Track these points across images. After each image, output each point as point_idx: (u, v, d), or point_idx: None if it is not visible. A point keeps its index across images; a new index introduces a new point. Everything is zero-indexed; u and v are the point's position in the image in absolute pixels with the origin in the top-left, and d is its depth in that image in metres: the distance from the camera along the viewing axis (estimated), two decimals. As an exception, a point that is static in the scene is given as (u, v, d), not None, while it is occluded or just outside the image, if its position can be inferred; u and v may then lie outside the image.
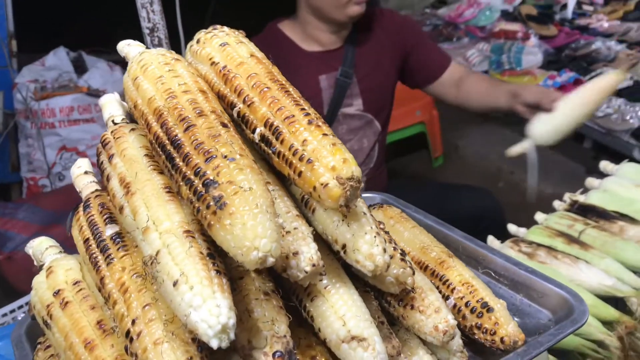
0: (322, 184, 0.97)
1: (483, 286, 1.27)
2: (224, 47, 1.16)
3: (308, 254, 0.96)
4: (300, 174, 1.00)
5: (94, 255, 1.04)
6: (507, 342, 1.18)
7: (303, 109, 1.05)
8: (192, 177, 0.93)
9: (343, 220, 1.03)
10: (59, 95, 5.03)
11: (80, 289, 1.08)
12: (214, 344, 0.83)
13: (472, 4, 5.95)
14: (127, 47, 1.20)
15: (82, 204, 1.14)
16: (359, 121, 2.92)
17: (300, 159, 1.00)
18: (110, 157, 1.07)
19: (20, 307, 2.71)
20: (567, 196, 2.78)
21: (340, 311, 0.98)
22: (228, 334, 0.84)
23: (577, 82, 4.95)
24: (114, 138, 1.10)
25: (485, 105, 2.93)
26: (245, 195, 0.89)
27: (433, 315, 1.11)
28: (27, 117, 4.98)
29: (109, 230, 1.06)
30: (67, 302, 1.06)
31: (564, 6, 6.00)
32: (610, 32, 5.62)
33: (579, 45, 5.44)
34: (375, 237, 1.02)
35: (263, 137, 1.06)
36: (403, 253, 1.10)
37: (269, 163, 1.10)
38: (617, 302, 2.14)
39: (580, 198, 2.71)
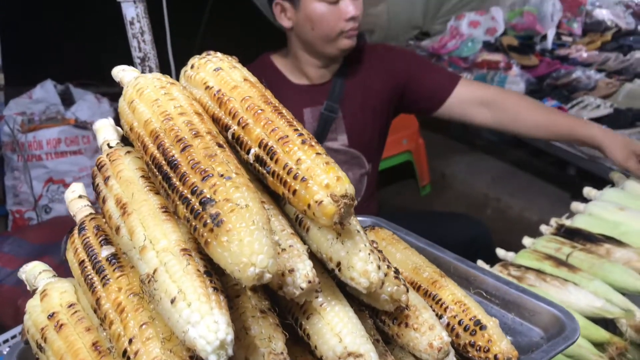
0: (316, 202, 0.99)
1: (475, 305, 1.29)
2: (218, 71, 1.18)
3: (304, 271, 0.97)
4: (294, 192, 1.02)
5: (90, 276, 1.04)
6: (501, 359, 1.19)
7: (296, 130, 1.07)
8: (189, 195, 0.95)
9: (337, 239, 1.05)
10: (46, 127, 5.03)
11: (76, 311, 1.08)
12: (213, 359, 0.83)
13: (454, 36, 6.08)
14: (122, 73, 1.22)
15: (77, 226, 1.15)
16: (344, 156, 2.91)
17: (295, 178, 1.02)
18: (106, 179, 1.09)
19: (6, 341, 2.65)
20: (554, 221, 2.81)
21: (337, 328, 0.99)
22: (226, 349, 0.84)
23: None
24: (109, 160, 1.11)
25: (549, 139, 2.88)
26: (241, 212, 0.90)
27: (427, 333, 1.12)
28: (13, 149, 4.97)
29: (104, 252, 1.06)
30: (62, 325, 1.06)
31: (544, 37, 6.15)
32: (589, 62, 5.76)
33: (559, 74, 5.56)
34: (369, 254, 1.03)
35: (257, 158, 1.08)
36: (397, 271, 1.12)
37: (264, 183, 1.11)
38: (607, 324, 2.16)
39: (567, 222, 2.75)
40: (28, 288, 1.24)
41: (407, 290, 1.11)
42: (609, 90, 5.31)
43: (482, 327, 1.23)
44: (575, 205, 2.95)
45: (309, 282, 0.96)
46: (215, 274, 0.94)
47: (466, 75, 5.67)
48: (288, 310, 1.06)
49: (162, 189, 1.02)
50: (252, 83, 1.16)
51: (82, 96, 5.44)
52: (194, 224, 0.94)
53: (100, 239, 1.09)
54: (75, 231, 1.14)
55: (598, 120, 5.00)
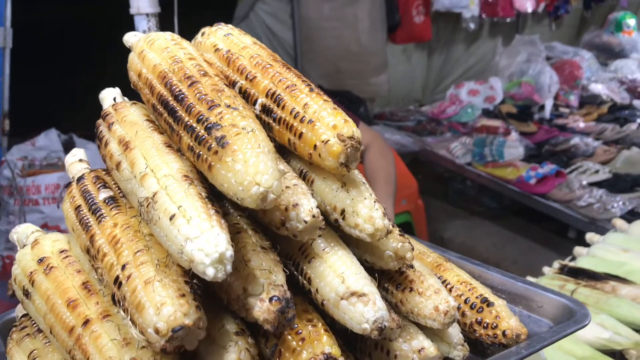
0: (323, 141, 0.97)
1: (482, 286, 1.24)
2: (228, 36, 1.20)
3: (308, 206, 0.94)
4: (300, 135, 1.00)
5: (85, 218, 1.00)
6: (510, 336, 1.13)
7: (304, 81, 1.07)
8: (195, 124, 0.93)
9: (342, 187, 1.02)
10: (46, 172, 5.03)
11: (67, 256, 1.03)
12: (210, 272, 0.79)
13: (454, 102, 6.21)
14: (134, 37, 1.23)
15: (76, 178, 1.12)
16: None
17: (302, 121, 1.01)
18: (110, 125, 1.07)
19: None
20: (557, 262, 2.76)
21: (339, 270, 0.95)
22: (225, 265, 0.80)
23: (558, 174, 5.09)
24: (114, 110, 1.11)
25: None
26: (247, 136, 0.88)
27: (433, 297, 1.07)
28: (11, 193, 4.94)
29: (102, 195, 1.03)
30: (51, 267, 1.01)
31: (542, 107, 6.29)
32: (586, 132, 5.86)
33: (558, 141, 5.64)
34: (374, 202, 1.00)
35: (264, 107, 1.07)
36: (402, 231, 1.08)
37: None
38: (615, 356, 2.07)
39: (570, 263, 2.70)
40: (19, 248, 1.19)
41: (413, 249, 1.06)
42: (607, 156, 5.37)
43: (490, 304, 1.18)
44: (579, 250, 2.91)
45: (313, 216, 0.93)
46: (217, 202, 0.91)
47: (466, 139, 5.75)
48: (289, 258, 1.01)
49: (166, 126, 1.00)
50: (261, 46, 1.17)
51: (85, 145, 5.47)
52: (197, 151, 0.92)
53: (99, 185, 1.06)
54: (74, 182, 1.11)
55: (597, 184, 5.04)
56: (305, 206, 0.94)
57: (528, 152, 5.57)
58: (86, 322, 0.90)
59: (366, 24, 6.08)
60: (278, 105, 1.04)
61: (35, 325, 1.08)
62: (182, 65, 1.02)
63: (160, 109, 1.01)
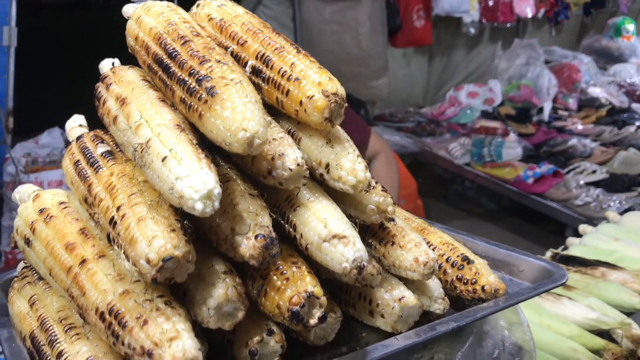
0: (308, 97, 1.03)
1: (463, 246, 1.29)
2: (222, 7, 1.26)
3: (293, 156, 0.99)
4: (288, 92, 1.06)
5: (83, 170, 1.06)
6: (488, 290, 1.18)
7: (292, 44, 1.13)
8: (187, 77, 0.99)
9: (327, 144, 1.08)
10: (49, 169, 5.09)
11: (66, 207, 1.09)
12: (199, 207, 0.85)
13: (453, 104, 6.28)
14: (132, 7, 1.29)
15: (75, 138, 1.18)
16: None
17: (288, 79, 1.06)
18: (108, 86, 1.13)
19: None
20: (549, 251, 2.81)
21: (322, 216, 1.00)
22: (213, 201, 0.86)
23: (555, 174, 5.14)
24: (112, 73, 1.17)
25: None
26: (236, 86, 0.94)
27: (413, 249, 1.12)
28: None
29: (100, 149, 1.09)
30: (51, 217, 1.06)
31: (540, 110, 6.34)
32: (585, 134, 5.91)
33: (556, 142, 5.69)
34: (357, 157, 1.06)
35: (254, 69, 1.13)
36: (384, 188, 1.13)
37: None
38: (603, 336, 2.11)
39: (562, 252, 2.74)
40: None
41: (394, 203, 1.12)
42: (604, 157, 5.42)
43: (470, 262, 1.23)
44: (571, 240, 2.95)
45: (298, 165, 0.98)
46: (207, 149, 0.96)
47: (464, 140, 5.80)
48: (275, 207, 1.06)
49: (160, 83, 1.06)
50: (253, 15, 1.24)
51: (88, 144, 5.54)
52: (189, 102, 0.98)
53: (97, 142, 1.12)
54: (73, 141, 1.17)
55: (594, 184, 5.08)
56: (290, 156, 0.99)
57: (526, 152, 5.63)
58: (83, 262, 0.96)
59: (367, 28, 6.15)
60: (267, 66, 1.10)
61: (35, 274, 1.14)
62: (176, 27, 1.08)
63: (155, 67, 1.07)
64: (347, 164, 1.04)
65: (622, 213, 4.54)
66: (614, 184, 5.05)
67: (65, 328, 0.97)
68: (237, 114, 0.91)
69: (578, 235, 5.27)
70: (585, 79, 6.78)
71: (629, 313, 2.20)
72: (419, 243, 1.14)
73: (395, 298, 1.09)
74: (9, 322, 1.13)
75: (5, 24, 5.01)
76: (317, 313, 0.95)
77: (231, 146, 0.91)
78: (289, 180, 0.99)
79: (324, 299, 0.96)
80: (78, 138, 1.17)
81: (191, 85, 0.97)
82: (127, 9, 1.30)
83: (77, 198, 1.09)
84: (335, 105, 1.03)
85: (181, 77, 1.00)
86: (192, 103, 0.96)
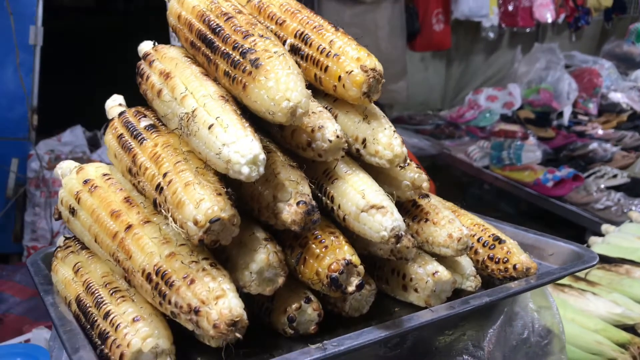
0: (347, 72, 1.06)
1: (494, 227, 1.30)
2: (260, -11, 1.29)
3: (332, 128, 1.02)
4: (326, 68, 1.09)
5: (127, 142, 1.10)
6: (520, 269, 1.20)
7: (330, 23, 1.15)
8: (231, 51, 1.02)
9: (364, 120, 1.10)
10: (72, 165, 5.16)
11: (109, 178, 1.12)
12: (245, 171, 0.88)
13: (472, 107, 6.27)
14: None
15: (117, 113, 1.21)
16: None
17: (327, 56, 1.09)
18: (151, 62, 1.17)
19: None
20: (571, 249, 2.80)
21: (360, 187, 1.02)
22: (258, 166, 0.89)
23: (576, 177, 5.11)
24: (154, 50, 1.20)
25: None
26: (279, 59, 0.97)
27: (447, 226, 1.14)
28: (37, 185, 5.09)
29: (143, 123, 1.12)
30: (96, 186, 1.10)
31: (560, 114, 6.31)
32: (605, 138, 5.87)
33: (576, 146, 5.66)
34: (394, 132, 1.08)
35: (293, 47, 1.15)
36: (418, 164, 1.15)
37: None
38: (628, 332, 2.11)
39: (584, 250, 2.73)
40: (62, 183, 1.28)
41: (428, 179, 1.14)
42: (625, 161, 5.38)
43: (501, 242, 1.24)
44: (594, 239, 2.94)
45: (337, 136, 1.01)
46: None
47: (484, 142, 5.79)
48: (313, 180, 1.09)
49: (204, 58, 1.09)
50: (291, -2, 1.26)
51: (109, 142, 5.62)
52: (233, 74, 1.01)
53: (139, 117, 1.15)
54: (116, 116, 1.21)
55: (615, 188, 5.04)
56: (329, 128, 1.02)
57: (546, 156, 5.59)
58: (128, 227, 0.99)
59: (386, 31, 6.17)
60: (306, 44, 1.13)
61: (78, 244, 1.17)
62: (218, 5, 1.12)
63: (198, 44, 1.10)
64: (384, 139, 1.07)
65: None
66: (635, 188, 5.00)
67: (111, 291, 1.00)
68: (281, 84, 0.93)
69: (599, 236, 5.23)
70: (606, 84, 6.73)
71: (654, 309, 2.19)
72: (452, 220, 1.15)
73: (428, 272, 1.11)
74: (52, 290, 1.16)
75: (32, 23, 5.10)
76: (355, 280, 0.97)
77: (275, 115, 0.94)
78: (328, 152, 1.02)
79: (361, 268, 0.98)
80: (120, 114, 1.20)
81: (235, 58, 1.00)
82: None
83: (120, 170, 1.13)
84: (374, 80, 1.05)
85: (225, 50, 1.03)
86: (236, 75, 0.99)
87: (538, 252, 1.41)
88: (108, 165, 1.20)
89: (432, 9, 6.80)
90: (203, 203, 0.88)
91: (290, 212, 0.94)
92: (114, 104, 1.35)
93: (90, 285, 1.03)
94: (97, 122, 6.04)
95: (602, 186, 5.02)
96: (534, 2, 7.49)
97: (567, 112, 6.34)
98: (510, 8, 7.40)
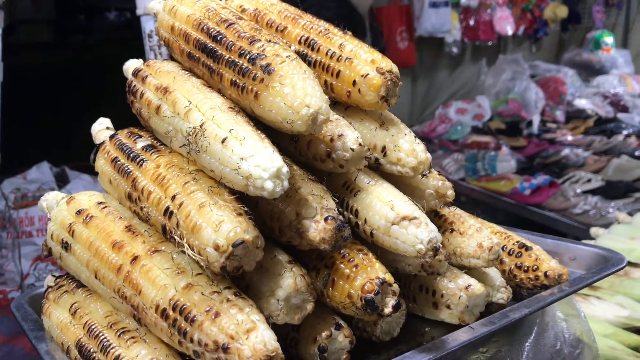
0: (362, 76, 0.98)
1: (516, 234, 1.23)
2: (253, -3, 1.21)
3: (353, 136, 0.94)
4: (338, 73, 1.01)
5: (124, 166, 0.99)
6: (552, 276, 1.13)
7: (336, 27, 1.08)
8: (237, 59, 0.93)
9: (381, 126, 1.03)
10: (40, 204, 4.96)
11: (105, 207, 1.01)
12: (269, 186, 0.78)
13: (443, 120, 6.28)
14: (158, 4, 1.24)
15: (108, 137, 1.11)
16: None
17: (338, 60, 1.01)
18: (144, 79, 1.07)
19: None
20: (565, 255, 2.76)
21: (387, 199, 0.94)
22: (282, 180, 0.80)
23: (552, 184, 5.13)
24: (146, 66, 1.10)
25: None
26: (292, 63, 0.89)
27: (475, 235, 1.07)
28: (3, 226, 4.87)
29: (140, 144, 1.02)
30: (91, 217, 0.99)
31: (530, 123, 6.38)
32: (575, 144, 5.94)
33: (548, 153, 5.71)
34: (415, 137, 1.01)
35: (298, 54, 1.07)
36: (439, 172, 1.08)
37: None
38: (638, 333, 2.06)
39: (578, 254, 2.70)
40: (49, 216, 1.17)
41: (452, 187, 1.06)
42: (598, 165, 5.44)
43: (528, 249, 1.17)
44: (586, 243, 2.92)
45: (360, 144, 0.93)
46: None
47: (457, 155, 5.80)
48: (333, 195, 1.00)
49: (204, 69, 1.00)
50: (287, 3, 1.19)
51: (78, 177, 5.43)
52: (241, 83, 0.92)
53: (134, 138, 1.05)
54: (106, 140, 1.10)
55: (591, 192, 5.09)
56: (350, 136, 0.94)
57: (520, 165, 5.62)
58: (135, 259, 0.88)
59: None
60: (312, 49, 1.05)
61: (72, 282, 1.05)
62: (216, 12, 1.03)
63: (197, 54, 1.01)
64: (406, 145, 0.99)
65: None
66: (611, 191, 5.06)
67: (118, 333, 0.88)
68: (298, 90, 0.85)
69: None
70: (571, 92, 6.86)
71: (659, 309, 2.15)
72: (480, 228, 1.08)
73: (460, 287, 1.03)
74: (45, 337, 1.04)
75: (-10, 59, 4.93)
76: (391, 301, 0.88)
77: (294, 124, 0.85)
78: (350, 162, 0.93)
79: (396, 286, 0.90)
80: (112, 137, 1.10)
81: (243, 66, 0.92)
82: (153, 5, 1.24)
83: (117, 197, 1.02)
84: (391, 83, 0.98)
85: (230, 59, 0.94)
86: (246, 84, 0.91)
87: (559, 257, 1.34)
88: (101, 193, 1.09)
89: (396, 27, 6.85)
90: (223, 225, 0.78)
91: (317, 229, 0.85)
92: (101, 127, 1.24)
93: (93, 327, 0.92)
94: (64, 157, 5.85)
95: (579, 191, 5.05)
96: (494, 16, 7.62)
97: (536, 120, 6.41)
98: (472, 23, 7.52)
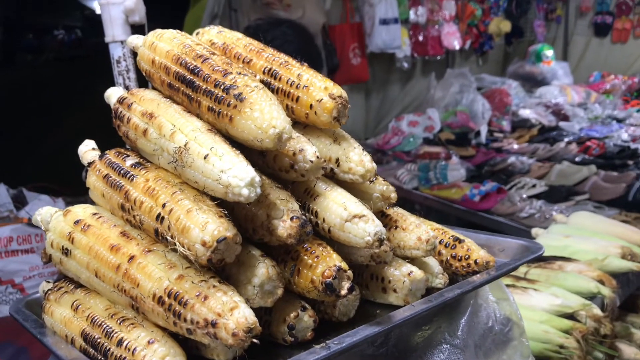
0: (317, 100, 1.18)
1: (452, 230, 1.45)
2: (221, 32, 1.40)
3: (311, 150, 1.13)
4: (297, 99, 1.21)
5: (116, 181, 1.16)
6: (481, 263, 1.34)
7: (294, 59, 1.28)
8: (213, 88, 1.12)
9: (334, 142, 1.23)
10: (-1, 225, 4.97)
11: (100, 217, 1.18)
12: (245, 192, 0.97)
13: (396, 133, 6.57)
14: (137, 39, 1.41)
15: (98, 156, 1.27)
16: None
17: (297, 87, 1.21)
18: (129, 105, 1.24)
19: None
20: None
21: (340, 201, 1.14)
22: (256, 187, 0.99)
23: (499, 190, 5.45)
24: (130, 94, 1.28)
25: None
26: (260, 92, 1.08)
27: (415, 230, 1.27)
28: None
29: (129, 162, 1.19)
30: (88, 225, 1.15)
31: (478, 133, 6.72)
32: (521, 152, 6.30)
33: (495, 161, 6.04)
34: (362, 150, 1.21)
35: (262, 82, 1.26)
36: (385, 178, 1.28)
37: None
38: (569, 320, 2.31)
39: (520, 253, 2.95)
40: (43, 228, 1.32)
41: (395, 190, 1.27)
42: (541, 171, 5.79)
43: (461, 241, 1.39)
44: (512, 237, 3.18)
45: (317, 157, 1.12)
46: (237, 149, 1.09)
47: (411, 166, 6.07)
48: (297, 200, 1.19)
49: (184, 97, 1.18)
50: (253, 38, 1.38)
51: (36, 198, 5.45)
52: (217, 109, 1.10)
53: (123, 157, 1.22)
54: (96, 159, 1.27)
55: (536, 197, 5.42)
56: (309, 150, 1.13)
57: (469, 173, 5.93)
58: (131, 258, 1.05)
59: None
60: (275, 78, 1.25)
61: (71, 284, 1.21)
62: (192, 49, 1.22)
63: (177, 85, 1.19)
64: (355, 157, 1.19)
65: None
66: (554, 195, 5.39)
67: (119, 321, 1.05)
68: (266, 114, 1.04)
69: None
70: (515, 102, 7.24)
71: (588, 297, 2.41)
72: (419, 224, 1.29)
73: (404, 273, 1.23)
74: (47, 333, 1.19)
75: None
76: (346, 284, 1.08)
77: (263, 142, 1.04)
78: (309, 172, 1.13)
79: (350, 272, 1.09)
80: (101, 156, 1.26)
81: (218, 95, 1.10)
82: (132, 40, 1.42)
83: (110, 208, 1.19)
84: (342, 106, 1.18)
85: (207, 89, 1.13)
86: (221, 110, 1.09)
87: (490, 249, 1.56)
88: (93, 205, 1.25)
89: (349, 44, 7.12)
90: (209, 225, 0.96)
91: (285, 227, 1.04)
92: (87, 148, 1.40)
93: (95, 318, 1.08)
94: (20, 178, 5.85)
95: (524, 196, 5.37)
96: (442, 32, 8.01)
97: (484, 130, 6.76)
98: (421, 38, 7.88)
